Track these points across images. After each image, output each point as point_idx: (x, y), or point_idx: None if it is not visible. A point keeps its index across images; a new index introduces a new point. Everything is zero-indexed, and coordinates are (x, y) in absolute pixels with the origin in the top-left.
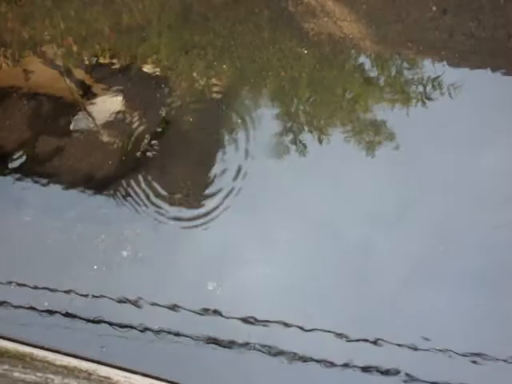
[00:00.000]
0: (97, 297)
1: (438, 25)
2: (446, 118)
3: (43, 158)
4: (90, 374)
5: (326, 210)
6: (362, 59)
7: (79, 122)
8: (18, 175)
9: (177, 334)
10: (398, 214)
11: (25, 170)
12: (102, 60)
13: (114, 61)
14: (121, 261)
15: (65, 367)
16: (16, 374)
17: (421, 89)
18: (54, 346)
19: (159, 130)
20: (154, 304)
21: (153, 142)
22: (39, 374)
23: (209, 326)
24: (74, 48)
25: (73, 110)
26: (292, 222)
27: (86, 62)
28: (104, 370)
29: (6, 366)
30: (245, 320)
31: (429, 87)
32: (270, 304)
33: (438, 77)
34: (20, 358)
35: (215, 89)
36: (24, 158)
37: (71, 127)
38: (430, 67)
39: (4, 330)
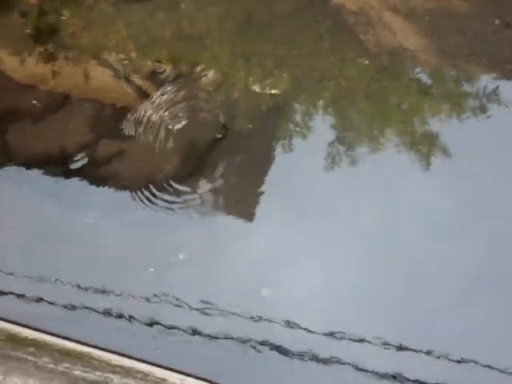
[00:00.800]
0: (152, 299)
1: (501, 38)
2: (503, 133)
3: (104, 161)
4: (146, 375)
5: (378, 222)
6: (420, 71)
7: (132, 127)
8: (79, 177)
9: (229, 339)
10: (451, 227)
11: (86, 172)
12: (162, 66)
13: (174, 67)
14: (177, 264)
15: (121, 367)
16: (77, 373)
17: (478, 102)
18: (109, 346)
19: (219, 136)
20: (207, 308)
21: (212, 147)
22: (98, 373)
23: (262, 332)
24: (135, 54)
25: (132, 114)
26: (344, 232)
27: (146, 69)
28: (160, 372)
29: (66, 364)
30: (297, 328)
31: (487, 101)
32: (323, 313)
33: (496, 91)
34: (78, 357)
35: (273, 97)
36: (85, 160)
37: (128, 131)
38: (489, 81)
39: (63, 330)
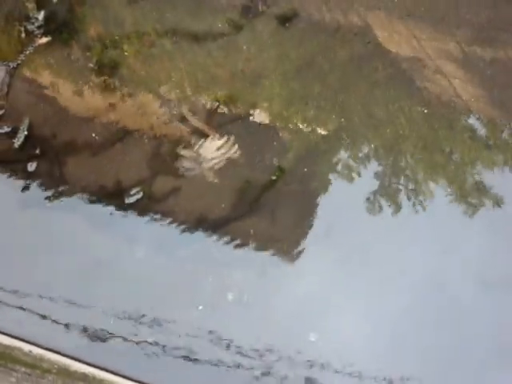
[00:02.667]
0: (198, 336)
1: None
2: None
3: (159, 197)
4: None
5: (424, 269)
6: (476, 121)
7: (189, 164)
8: (133, 211)
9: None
10: (499, 278)
11: (140, 207)
12: (216, 105)
13: (229, 106)
14: (225, 303)
15: None
16: None
17: None
18: (149, 379)
19: (273, 178)
20: (253, 349)
21: (266, 188)
22: None
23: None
24: (192, 92)
25: (187, 152)
26: (390, 278)
27: (201, 106)
28: None
29: None
30: (345, 373)
31: None
32: (373, 359)
33: None
34: None
35: (328, 140)
36: (140, 194)
37: (181, 168)
38: None
39: (112, 364)
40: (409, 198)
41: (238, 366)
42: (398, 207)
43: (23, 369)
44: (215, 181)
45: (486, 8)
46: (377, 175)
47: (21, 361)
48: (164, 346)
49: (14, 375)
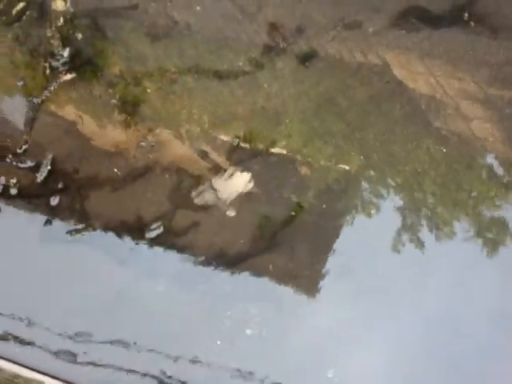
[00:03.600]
0: (216, 371)
1: None
2: None
3: (179, 231)
4: None
5: (440, 306)
6: (494, 160)
7: (206, 198)
8: (154, 246)
9: None
10: None
11: (161, 241)
12: (234, 141)
13: (248, 143)
14: (244, 339)
15: None
16: None
17: None
18: None
19: (292, 213)
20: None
21: (285, 224)
22: None
23: None
24: (212, 129)
25: (206, 187)
26: (407, 314)
27: (220, 142)
28: None
29: None
30: None
31: None
32: None
33: None
34: None
35: (346, 177)
36: (161, 229)
37: (197, 201)
38: None
39: None
40: (427, 234)
41: None
42: (416, 243)
43: None
44: (233, 216)
45: (505, 49)
46: (396, 211)
47: None
48: (183, 382)
49: None
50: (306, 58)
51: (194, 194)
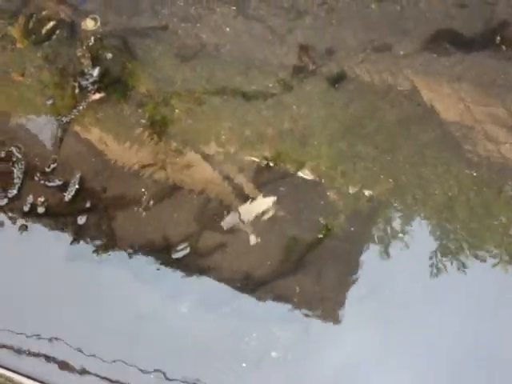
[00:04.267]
0: None
1: None
2: None
3: (205, 252)
4: None
5: (469, 335)
6: None
7: (232, 222)
8: (179, 266)
9: None
10: None
11: (187, 262)
12: (262, 162)
13: (276, 165)
14: (270, 361)
15: None
16: None
17: None
18: None
19: (320, 236)
20: None
21: (312, 247)
22: None
23: None
24: (238, 149)
25: (231, 208)
26: (433, 342)
27: (244, 164)
28: None
29: None
30: None
31: None
32: None
33: None
34: None
35: (376, 201)
36: (187, 250)
37: (224, 226)
38: None
39: None
40: (455, 261)
41: None
42: (444, 269)
43: None
44: (258, 240)
45: None
46: (424, 236)
47: None
48: None
49: None
50: (336, 80)
51: (223, 218)
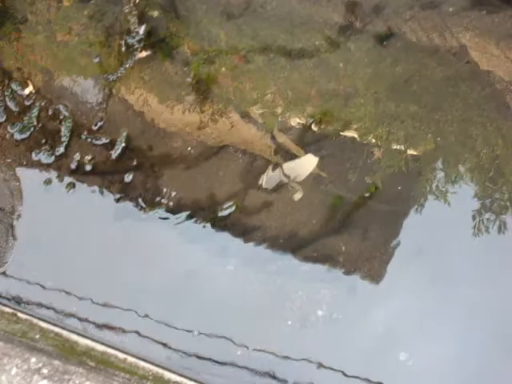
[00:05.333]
0: (284, 352)
1: None
2: None
3: (251, 211)
4: None
5: None
6: None
7: (273, 181)
8: (225, 224)
9: None
10: None
11: (232, 221)
12: (306, 122)
13: (321, 124)
14: (315, 320)
15: None
16: None
17: None
18: None
19: (366, 195)
20: (338, 370)
21: (358, 206)
22: None
23: None
24: (282, 108)
25: (276, 167)
26: (480, 303)
27: (288, 124)
28: None
29: None
30: None
31: None
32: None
33: None
34: None
35: (422, 160)
36: (233, 208)
37: (268, 185)
38: None
39: (197, 376)
40: (503, 221)
41: None
42: (492, 229)
43: (122, 374)
44: (299, 199)
45: None
46: (471, 195)
47: (119, 367)
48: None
49: (115, 379)
50: (382, 39)
51: (262, 179)
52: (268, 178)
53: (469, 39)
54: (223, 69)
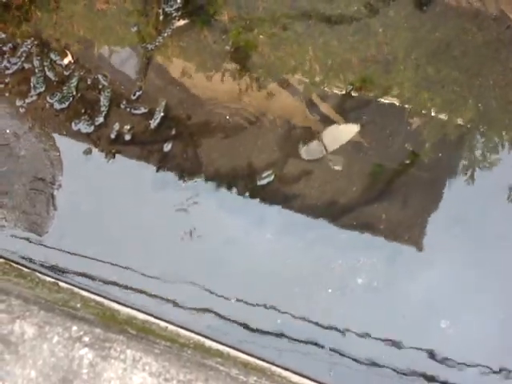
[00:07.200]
0: (324, 322)
1: None
2: None
3: (290, 180)
4: None
5: None
6: None
7: (313, 151)
8: (264, 193)
9: (397, 371)
10: None
11: (271, 189)
12: (347, 90)
13: (360, 91)
14: (355, 287)
15: None
16: None
17: None
18: (284, 364)
19: (407, 162)
20: (378, 338)
21: (398, 173)
22: None
23: (430, 366)
24: (318, 77)
25: (312, 137)
26: None
27: (328, 92)
28: None
29: (254, 378)
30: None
31: None
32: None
33: None
34: (262, 372)
35: (463, 127)
36: (272, 177)
37: (304, 156)
38: None
39: (239, 345)
40: None
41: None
42: None
43: (163, 342)
44: (340, 168)
45: None
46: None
47: (160, 335)
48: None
49: (156, 347)
50: (422, 3)
51: (302, 149)
52: (308, 149)
53: (508, 4)
54: (261, 36)
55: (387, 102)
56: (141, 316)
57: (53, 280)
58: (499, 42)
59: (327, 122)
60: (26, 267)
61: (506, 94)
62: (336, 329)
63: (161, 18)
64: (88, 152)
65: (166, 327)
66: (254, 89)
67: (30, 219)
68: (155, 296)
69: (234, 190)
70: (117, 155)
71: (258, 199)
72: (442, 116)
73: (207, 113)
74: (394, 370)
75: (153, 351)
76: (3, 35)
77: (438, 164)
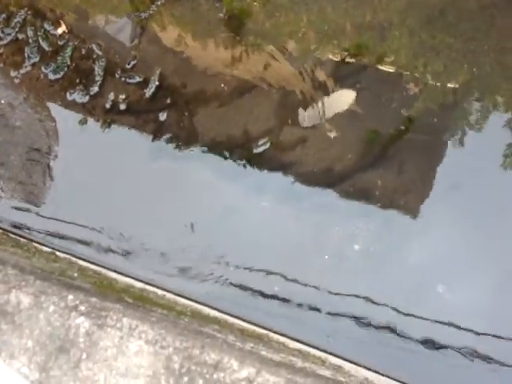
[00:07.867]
0: (322, 286)
1: None
2: None
3: (286, 147)
4: (323, 361)
5: None
6: None
7: (309, 118)
8: (260, 161)
9: (397, 334)
10: None
11: (267, 157)
12: (338, 57)
13: (355, 58)
14: (352, 254)
15: (298, 351)
16: (263, 353)
17: None
18: (281, 330)
19: (402, 128)
20: (376, 303)
21: (394, 139)
22: (282, 355)
23: (430, 329)
24: (313, 44)
25: (308, 104)
26: None
27: (323, 59)
28: (334, 360)
29: (251, 344)
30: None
31: None
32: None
33: None
34: (259, 338)
35: (459, 91)
36: (268, 145)
37: (302, 123)
38: None
39: (238, 311)
40: None
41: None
42: None
43: (160, 310)
44: (339, 134)
45: None
46: (507, 126)
47: (157, 303)
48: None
49: (152, 315)
50: None
51: (300, 116)
52: (304, 116)
53: None
54: (255, 3)
55: (383, 68)
56: (139, 285)
57: (50, 250)
58: (494, 7)
59: (323, 89)
60: (22, 237)
61: (501, 58)
62: (333, 293)
63: None
64: (83, 122)
65: (164, 295)
66: (250, 57)
67: (26, 190)
68: (154, 264)
69: (230, 158)
70: (112, 125)
71: (254, 167)
72: (438, 81)
73: (202, 81)
74: (392, 333)
75: (149, 319)
76: None
77: (433, 129)
